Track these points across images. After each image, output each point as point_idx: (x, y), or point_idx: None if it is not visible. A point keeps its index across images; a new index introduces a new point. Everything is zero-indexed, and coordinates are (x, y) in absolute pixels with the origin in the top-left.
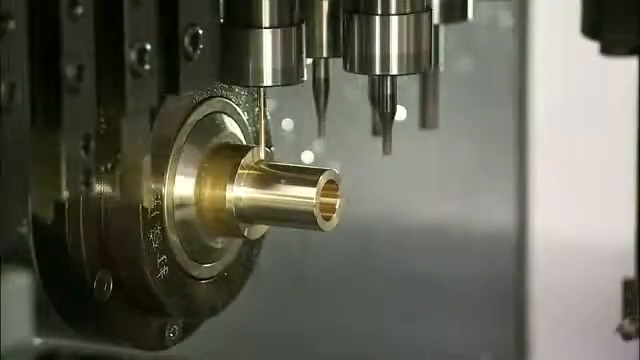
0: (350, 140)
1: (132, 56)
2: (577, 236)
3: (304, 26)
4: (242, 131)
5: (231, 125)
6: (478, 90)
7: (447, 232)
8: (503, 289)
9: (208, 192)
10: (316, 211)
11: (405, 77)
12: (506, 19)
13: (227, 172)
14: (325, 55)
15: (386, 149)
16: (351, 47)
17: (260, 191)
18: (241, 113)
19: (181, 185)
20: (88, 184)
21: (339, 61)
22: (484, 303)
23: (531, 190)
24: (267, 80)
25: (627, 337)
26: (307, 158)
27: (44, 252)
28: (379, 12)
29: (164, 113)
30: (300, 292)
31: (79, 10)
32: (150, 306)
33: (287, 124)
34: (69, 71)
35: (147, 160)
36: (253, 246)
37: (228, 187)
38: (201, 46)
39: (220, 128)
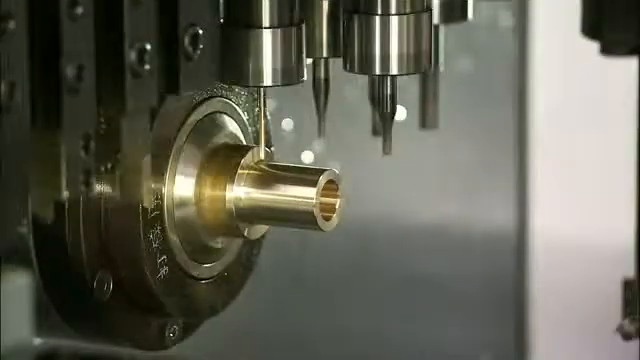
0: (350, 140)
1: (132, 56)
2: (577, 236)
3: (304, 26)
4: (242, 131)
5: (231, 125)
6: (478, 90)
7: (447, 232)
8: (503, 289)
9: (208, 192)
10: (316, 211)
11: (405, 77)
12: (506, 19)
13: (227, 172)
14: (325, 55)
15: (386, 149)
16: (351, 47)
17: (260, 191)
18: (241, 113)
19: (181, 185)
20: (88, 184)
21: (339, 61)
22: (484, 303)
23: (531, 190)
24: (267, 80)
25: (627, 337)
26: (307, 158)
27: (44, 252)
28: (379, 12)
29: (164, 113)
30: (300, 292)
31: (79, 10)
32: (150, 306)
33: (287, 124)
34: (69, 71)
35: (147, 160)
36: (253, 246)
37: (228, 187)
38: (201, 46)
39: (220, 128)
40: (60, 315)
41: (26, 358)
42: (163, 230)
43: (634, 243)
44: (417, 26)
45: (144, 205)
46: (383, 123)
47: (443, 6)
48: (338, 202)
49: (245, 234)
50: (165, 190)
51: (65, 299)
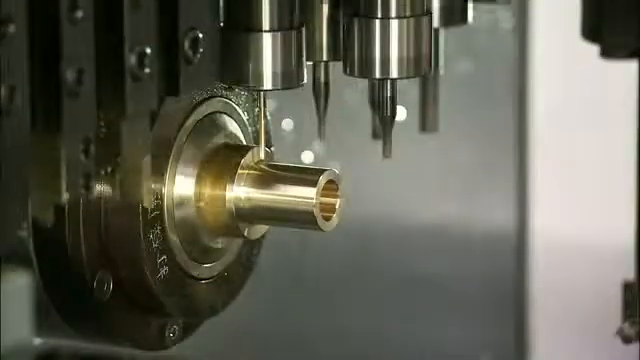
0: (350, 140)
1: (132, 60)
2: (577, 236)
3: (304, 29)
4: (242, 131)
5: (231, 125)
6: (478, 91)
7: (447, 232)
8: (503, 289)
9: (208, 192)
10: (316, 211)
11: (405, 80)
12: (506, 20)
13: (227, 172)
14: (325, 58)
15: (386, 152)
16: (351, 50)
17: (260, 191)
18: (241, 113)
19: (181, 185)
20: (88, 188)
21: (339, 64)
22: (484, 303)
23: (531, 190)
24: (267, 84)
25: (627, 340)
26: (307, 158)
27: (44, 252)
28: (379, 15)
29: (164, 113)
30: (300, 292)
31: (79, 14)
32: (150, 306)
33: (287, 124)
34: (69, 75)
35: (147, 160)
36: (253, 246)
37: (228, 187)
38: (201, 50)
39: (220, 128)
40: (60, 315)
41: (26, 358)
42: (163, 230)
43: (634, 245)
44: (417, 30)
45: (144, 206)
46: (383, 126)
47: (443, 10)
48: (338, 202)
49: (245, 234)
50: (165, 190)
51: (65, 299)
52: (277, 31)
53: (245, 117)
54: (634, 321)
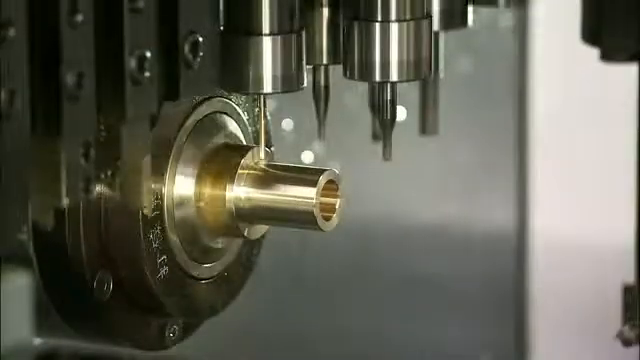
0: (351, 142)
1: (132, 64)
2: (577, 236)
3: (304, 33)
4: (242, 131)
5: (231, 125)
6: (478, 91)
7: (447, 232)
8: (503, 289)
9: (208, 192)
10: (316, 211)
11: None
12: (506, 20)
13: (227, 172)
14: (325, 62)
15: (386, 155)
16: (351, 54)
17: (260, 191)
18: (241, 113)
19: (181, 185)
20: (88, 191)
21: (339, 68)
22: (484, 303)
23: (531, 190)
24: (267, 87)
25: (627, 343)
26: (307, 158)
27: (44, 252)
28: (379, 19)
29: (164, 113)
30: (300, 292)
31: (79, 18)
32: (150, 306)
33: (287, 124)
34: (69, 78)
35: (147, 160)
36: (253, 246)
37: (228, 187)
38: (201, 53)
39: (220, 128)
40: (60, 315)
41: (26, 358)
42: (163, 230)
43: (634, 243)
44: (417, 33)
45: (144, 213)
46: (383, 129)
47: (443, 13)
48: (338, 202)
49: (245, 234)
50: (165, 190)
51: (65, 299)
52: (277, 34)
53: (245, 117)
54: (634, 324)
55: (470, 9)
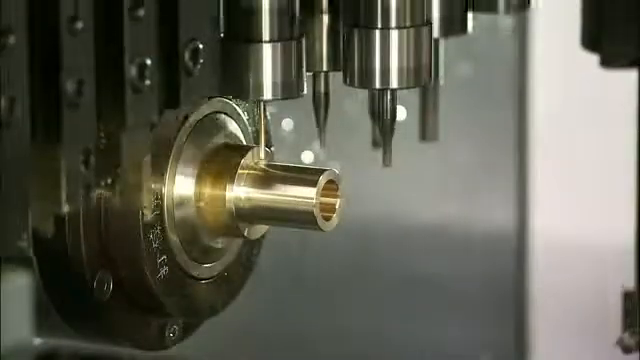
0: (350, 148)
1: (132, 71)
2: (577, 236)
3: (304, 40)
4: (242, 131)
5: (231, 125)
6: (479, 93)
7: (447, 232)
8: (503, 289)
9: (208, 192)
10: (316, 211)
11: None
12: (506, 21)
13: (227, 172)
14: (325, 69)
15: (386, 161)
16: (351, 61)
17: (260, 191)
18: (241, 113)
19: (181, 185)
20: (88, 198)
21: (339, 75)
22: (484, 303)
23: (531, 190)
24: (267, 94)
25: (627, 350)
26: (307, 158)
27: (44, 252)
28: (379, 26)
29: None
30: (300, 292)
31: (79, 25)
32: (150, 306)
33: (287, 124)
34: (69, 86)
35: (147, 160)
36: (253, 246)
37: (228, 187)
38: (201, 61)
39: (220, 128)
40: (60, 315)
41: (26, 358)
42: (163, 230)
43: (634, 244)
44: (417, 40)
45: (144, 216)
46: (383, 136)
47: (443, 20)
48: (338, 202)
49: (245, 234)
50: (165, 190)
51: (65, 299)
52: (277, 42)
53: (245, 117)
54: (634, 331)
55: (470, 15)
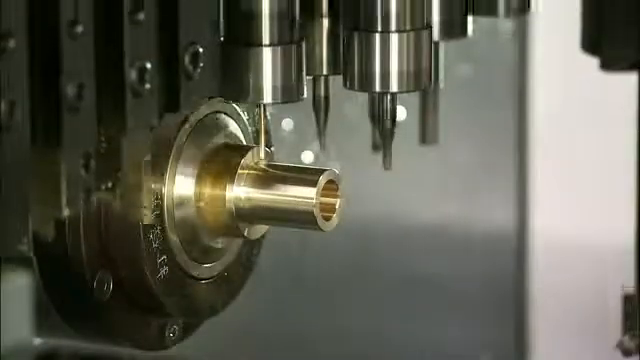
0: (350, 150)
1: (132, 75)
2: (577, 236)
3: (304, 43)
4: (242, 131)
5: (231, 125)
6: (479, 94)
7: (447, 232)
8: (503, 289)
9: (208, 192)
10: (316, 211)
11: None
12: (506, 24)
13: (227, 172)
14: (325, 72)
15: (386, 164)
16: (351, 64)
17: (260, 191)
18: (241, 113)
19: (181, 185)
20: (88, 202)
21: (339, 78)
22: (484, 303)
23: (531, 190)
24: (267, 97)
25: (627, 353)
26: (307, 158)
27: (44, 252)
28: (379, 29)
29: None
30: (300, 292)
31: (79, 29)
32: (150, 306)
33: (287, 124)
34: (69, 90)
35: (147, 160)
36: (253, 246)
37: (228, 187)
38: (201, 64)
39: (220, 128)
40: (60, 315)
41: (26, 358)
42: (163, 230)
43: (634, 244)
44: (417, 43)
45: (144, 222)
46: (383, 140)
47: (443, 23)
48: (338, 202)
49: (245, 234)
50: (165, 190)
51: (65, 299)
52: (277, 45)
53: (245, 117)
54: (634, 334)
55: (470, 19)
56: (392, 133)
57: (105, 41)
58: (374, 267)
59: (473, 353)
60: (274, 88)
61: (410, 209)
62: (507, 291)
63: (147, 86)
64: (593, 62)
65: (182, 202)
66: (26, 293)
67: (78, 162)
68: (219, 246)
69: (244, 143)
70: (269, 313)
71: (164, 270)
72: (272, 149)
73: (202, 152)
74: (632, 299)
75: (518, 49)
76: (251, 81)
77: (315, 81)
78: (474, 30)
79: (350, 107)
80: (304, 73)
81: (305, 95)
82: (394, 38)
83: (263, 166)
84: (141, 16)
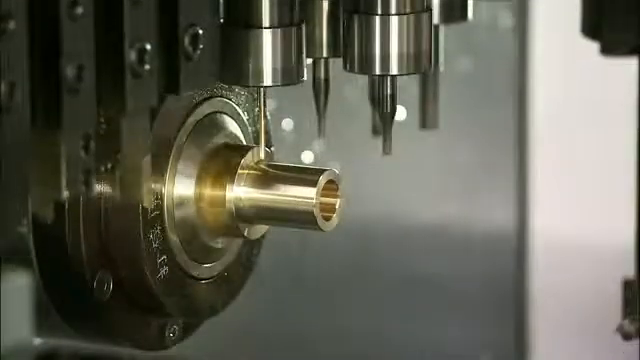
0: (350, 139)
1: (132, 56)
2: (577, 236)
3: (304, 26)
4: (242, 131)
5: (231, 125)
6: (478, 89)
7: (447, 232)
8: (503, 289)
9: (208, 192)
10: (316, 211)
11: (405, 77)
12: (506, 19)
13: (227, 172)
14: (325, 55)
15: (386, 149)
16: (351, 47)
17: (260, 191)
18: (241, 113)
19: (181, 185)
20: (88, 184)
21: (339, 61)
22: (484, 303)
23: (531, 190)
24: (267, 80)
25: (627, 337)
26: (307, 158)
27: (44, 252)
28: (379, 12)
29: (164, 113)
30: (300, 292)
31: (79, 10)
32: (150, 306)
33: (287, 124)
34: (69, 71)
35: (147, 160)
36: (253, 246)
37: (228, 187)
38: (201, 46)
39: (220, 128)
40: (60, 315)
41: (26, 358)
42: (163, 230)
43: (634, 243)
44: (417, 26)
45: (144, 205)
46: (383, 123)
47: (443, 6)
48: (338, 202)
49: (245, 234)
50: (165, 190)
51: (65, 299)
52: (277, 27)
53: (245, 117)
54: (634, 318)
55: (470, 2)
56: (392, 116)
57: (105, 22)
58: (374, 267)
59: (473, 353)
60: (274, 71)
61: (410, 209)
62: (507, 291)
63: (147, 67)
64: (594, 60)
65: (182, 202)
66: (26, 293)
67: (78, 143)
68: (219, 246)
69: (244, 143)
70: (269, 313)
71: (164, 270)
72: (272, 149)
73: (202, 152)
74: (632, 284)
75: (518, 46)
76: (251, 63)
77: (315, 64)
78: (474, 26)
79: (350, 90)
80: (304, 55)
81: (305, 78)
82: (394, 21)
83: (263, 166)
84: None
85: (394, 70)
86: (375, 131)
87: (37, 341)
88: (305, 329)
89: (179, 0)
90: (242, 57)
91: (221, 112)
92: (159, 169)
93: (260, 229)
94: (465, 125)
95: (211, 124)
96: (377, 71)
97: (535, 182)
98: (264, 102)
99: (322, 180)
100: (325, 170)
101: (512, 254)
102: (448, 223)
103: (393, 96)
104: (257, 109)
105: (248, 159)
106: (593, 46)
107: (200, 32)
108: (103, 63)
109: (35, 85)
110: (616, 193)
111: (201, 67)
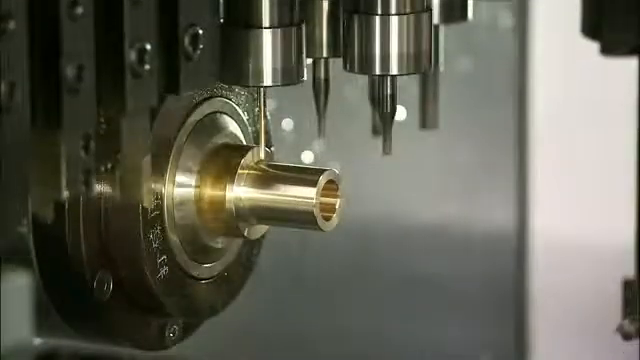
0: (350, 140)
1: (132, 56)
2: (577, 236)
3: (304, 26)
4: (242, 131)
5: (231, 125)
6: (478, 90)
7: (447, 232)
8: (503, 289)
9: (208, 192)
10: (316, 211)
11: (405, 77)
12: (506, 19)
13: (227, 172)
14: (325, 55)
15: (386, 149)
16: (351, 47)
17: (260, 191)
18: (241, 113)
19: (181, 185)
20: (88, 184)
21: (339, 61)
22: (484, 303)
23: (531, 190)
24: (267, 80)
25: (627, 337)
26: (307, 158)
27: (44, 252)
28: (379, 12)
29: (164, 113)
30: (300, 292)
31: (79, 10)
32: (150, 306)
33: (287, 124)
34: (69, 71)
35: (147, 160)
36: (253, 246)
37: (228, 187)
38: (201, 46)
39: (220, 128)
40: (60, 315)
41: (26, 358)
42: (163, 230)
43: (634, 243)
44: (417, 26)
45: (144, 205)
46: (383, 123)
47: (443, 6)
48: (338, 202)
49: (245, 234)
50: (165, 190)
51: (65, 299)
52: (277, 27)
53: (245, 117)
54: (634, 318)
55: (470, 2)
56: (392, 116)
57: (105, 22)
58: (374, 267)
59: (473, 353)
60: (274, 71)
61: (410, 209)
62: (507, 291)
63: (147, 67)
64: (594, 60)
65: (182, 202)
66: (26, 293)
67: (78, 143)
68: (219, 246)
69: (244, 143)
70: (269, 313)
71: (164, 270)
72: (272, 149)
73: (202, 152)
74: (632, 284)
75: (518, 46)
76: (251, 63)
77: (315, 64)
78: (474, 26)
79: (350, 90)
80: (304, 55)
81: (305, 78)
82: (394, 21)
83: (263, 166)
84: None
85: (394, 70)
86: (375, 131)
87: (37, 341)
88: (305, 329)
89: (179, 0)
90: (242, 57)
91: (221, 112)
92: (159, 169)
93: (260, 229)
94: (465, 125)
95: (211, 124)
96: (377, 71)
97: (535, 182)
98: (264, 102)
99: (322, 180)
100: (325, 170)
101: (512, 254)
102: (448, 223)
103: (393, 96)
104: (257, 109)
105: (248, 159)
106: (593, 46)
107: (200, 32)
108: (103, 63)
109: (35, 85)
110: (616, 193)
111: (201, 67)
